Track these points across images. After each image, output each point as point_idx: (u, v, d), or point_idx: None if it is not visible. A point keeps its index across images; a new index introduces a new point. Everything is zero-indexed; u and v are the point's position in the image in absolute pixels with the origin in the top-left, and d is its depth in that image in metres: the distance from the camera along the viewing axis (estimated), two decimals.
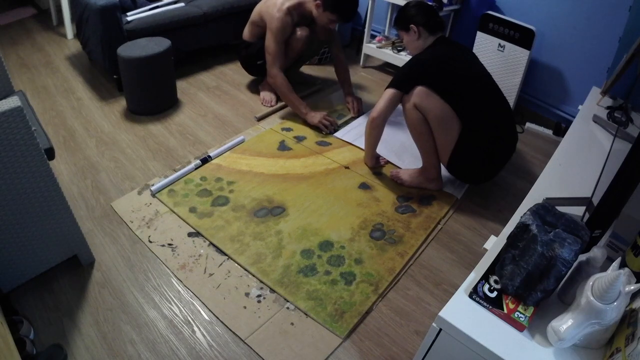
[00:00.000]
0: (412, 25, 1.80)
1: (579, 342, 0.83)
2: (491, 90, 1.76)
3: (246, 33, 2.50)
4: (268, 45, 2.25)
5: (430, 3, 1.84)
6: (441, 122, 1.73)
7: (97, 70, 2.79)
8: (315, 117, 2.31)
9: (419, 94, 1.71)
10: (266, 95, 2.55)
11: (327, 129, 2.31)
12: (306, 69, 2.97)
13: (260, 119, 2.40)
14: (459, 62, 1.74)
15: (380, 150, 2.15)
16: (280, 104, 2.52)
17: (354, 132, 2.34)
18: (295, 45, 2.31)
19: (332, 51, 2.51)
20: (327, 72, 2.97)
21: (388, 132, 2.31)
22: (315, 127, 2.32)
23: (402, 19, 1.84)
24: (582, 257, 0.90)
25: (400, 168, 2.08)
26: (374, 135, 1.93)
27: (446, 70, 1.71)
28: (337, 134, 2.30)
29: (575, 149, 1.50)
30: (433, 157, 1.85)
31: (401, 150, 2.22)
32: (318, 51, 2.75)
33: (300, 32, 2.29)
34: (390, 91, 1.78)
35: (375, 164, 2.10)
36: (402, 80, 1.77)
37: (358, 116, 2.49)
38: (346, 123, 2.41)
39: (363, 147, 2.19)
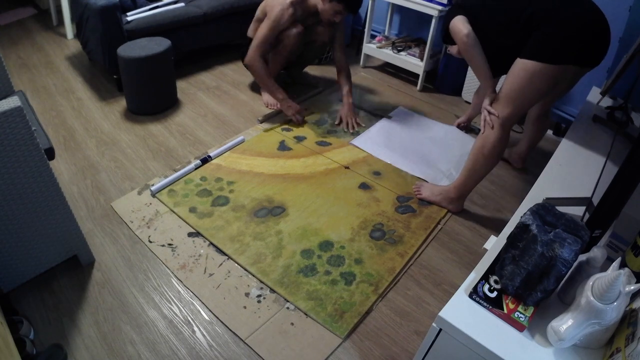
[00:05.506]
0: None
1: (579, 342, 0.84)
2: None
3: (251, 31, 2.48)
4: (259, 30, 2.21)
5: None
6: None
7: (97, 70, 2.79)
8: (290, 108, 2.33)
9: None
10: (270, 98, 2.53)
11: (298, 122, 2.36)
12: (307, 69, 2.97)
13: (263, 121, 2.40)
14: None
15: (405, 165, 2.10)
16: None
17: (372, 140, 2.28)
18: (287, 41, 2.26)
19: (335, 54, 2.47)
20: (328, 72, 2.97)
21: (410, 145, 2.24)
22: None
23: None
24: (582, 257, 0.90)
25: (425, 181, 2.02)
26: (477, 51, 1.59)
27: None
28: (354, 142, 2.25)
29: (575, 149, 1.50)
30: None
31: (427, 165, 2.13)
32: (322, 52, 2.71)
33: (293, 29, 2.24)
34: (459, 17, 1.57)
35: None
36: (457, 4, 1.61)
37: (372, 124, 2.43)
38: (365, 128, 2.38)
39: (380, 157, 2.15)
